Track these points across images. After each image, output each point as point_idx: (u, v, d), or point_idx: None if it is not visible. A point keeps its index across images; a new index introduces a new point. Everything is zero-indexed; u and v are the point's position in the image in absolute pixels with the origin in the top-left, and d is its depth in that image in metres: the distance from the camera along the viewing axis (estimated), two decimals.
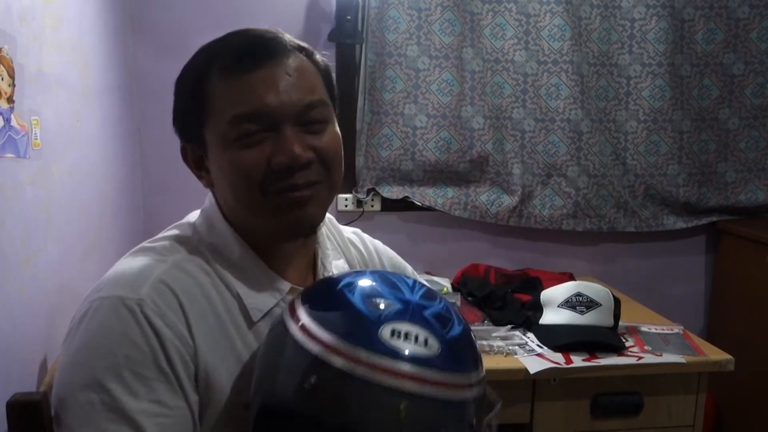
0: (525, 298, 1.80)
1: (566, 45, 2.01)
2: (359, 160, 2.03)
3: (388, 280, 0.74)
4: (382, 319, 0.67)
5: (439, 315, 0.71)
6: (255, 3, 1.96)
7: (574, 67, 2.02)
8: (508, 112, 2.06)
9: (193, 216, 0.86)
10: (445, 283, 1.78)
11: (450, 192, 2.09)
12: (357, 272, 0.79)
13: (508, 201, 2.07)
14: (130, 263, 0.77)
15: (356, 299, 0.70)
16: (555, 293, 1.61)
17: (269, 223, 0.78)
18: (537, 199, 2.09)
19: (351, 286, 0.72)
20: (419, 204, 2.06)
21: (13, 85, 1.07)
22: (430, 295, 0.74)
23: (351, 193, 2.06)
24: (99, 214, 1.56)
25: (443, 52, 2.01)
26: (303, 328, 0.68)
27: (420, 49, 2.00)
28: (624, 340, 1.57)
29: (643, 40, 2.06)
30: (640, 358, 1.50)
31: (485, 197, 2.08)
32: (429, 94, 2.02)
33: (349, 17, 1.89)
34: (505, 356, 1.49)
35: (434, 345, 0.67)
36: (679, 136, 2.12)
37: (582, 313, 1.55)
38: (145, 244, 0.82)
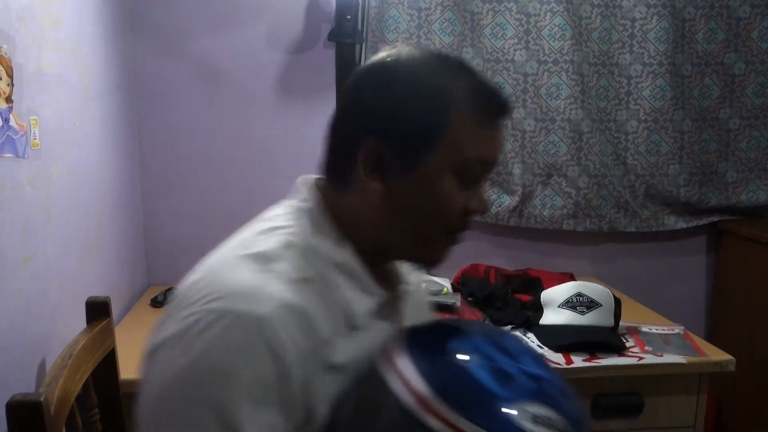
0: (525, 298, 1.79)
1: (567, 44, 2.00)
2: None
3: (500, 345, 0.70)
4: (513, 398, 0.63)
5: (562, 388, 0.68)
6: (255, 3, 1.95)
7: (574, 67, 2.02)
8: None
9: (288, 217, 0.80)
10: (445, 284, 1.77)
11: None
12: (461, 331, 0.73)
13: (508, 201, 2.06)
14: (247, 274, 0.71)
15: (481, 375, 0.65)
16: (555, 293, 1.60)
17: (419, 252, 0.81)
18: (537, 199, 2.09)
19: (466, 352, 0.68)
20: None
21: (12, 85, 1.06)
22: (540, 360, 0.71)
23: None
24: (98, 214, 1.56)
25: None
26: (421, 400, 0.64)
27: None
28: (624, 341, 1.56)
29: (644, 40, 2.06)
30: (640, 358, 1.49)
31: None
32: None
33: (349, 17, 1.89)
34: None
35: (569, 430, 0.64)
36: (679, 136, 2.12)
37: (582, 313, 1.55)
38: (252, 247, 0.75)
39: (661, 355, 1.51)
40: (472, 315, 1.69)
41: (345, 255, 0.77)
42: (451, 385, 0.65)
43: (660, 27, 2.04)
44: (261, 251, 0.74)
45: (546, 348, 1.52)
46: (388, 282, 0.85)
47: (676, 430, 1.56)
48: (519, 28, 2.01)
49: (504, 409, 0.62)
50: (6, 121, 1.04)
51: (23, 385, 1.09)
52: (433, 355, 0.69)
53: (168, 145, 1.96)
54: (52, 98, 1.25)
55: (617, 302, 1.60)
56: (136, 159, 1.93)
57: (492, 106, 0.77)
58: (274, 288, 0.70)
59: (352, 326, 0.76)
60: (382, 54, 0.80)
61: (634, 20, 2.05)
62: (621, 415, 1.54)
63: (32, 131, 1.14)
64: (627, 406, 1.52)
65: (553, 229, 2.11)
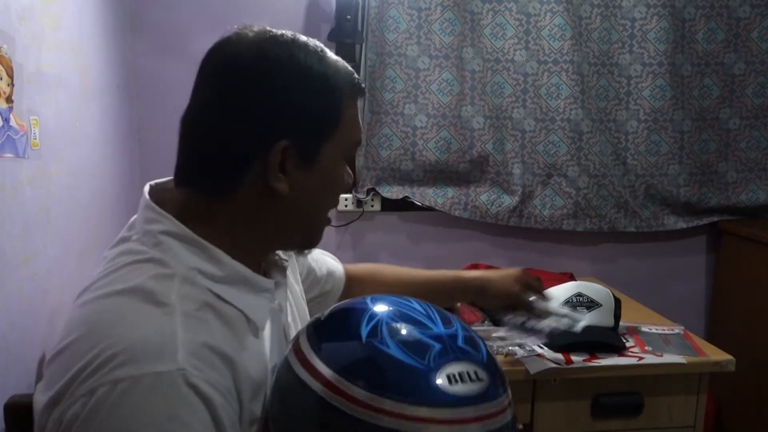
0: None
1: (566, 44, 2.00)
2: (359, 160, 2.03)
3: (404, 314, 0.69)
4: (432, 367, 0.63)
5: (468, 338, 0.69)
6: (255, 2, 1.95)
7: (574, 67, 2.02)
8: (509, 111, 2.05)
9: (154, 241, 0.73)
10: None
11: (450, 192, 2.08)
12: (365, 310, 0.71)
13: (508, 201, 2.06)
14: (144, 322, 0.64)
15: (395, 351, 0.64)
16: (555, 293, 1.60)
17: (309, 238, 0.82)
18: (537, 199, 2.09)
19: (376, 333, 0.66)
20: (419, 204, 2.06)
21: (12, 85, 1.06)
22: (445, 318, 0.71)
23: (351, 193, 2.06)
24: (98, 214, 1.56)
25: (443, 52, 2.00)
26: (353, 399, 0.62)
27: (420, 48, 1.99)
28: (624, 341, 1.56)
29: (644, 40, 2.06)
30: (640, 358, 1.49)
31: (485, 197, 2.08)
32: (429, 93, 2.02)
33: (349, 17, 1.89)
34: (505, 356, 1.48)
35: (483, 375, 0.65)
36: (679, 136, 2.12)
37: (582, 313, 1.55)
38: (139, 285, 0.67)
39: (661, 355, 1.51)
40: (472, 315, 1.69)
41: (227, 267, 0.72)
42: (361, 366, 0.65)
43: (660, 27, 2.04)
44: (148, 290, 0.66)
45: (546, 348, 1.52)
46: (272, 267, 0.85)
47: (676, 429, 1.56)
48: (519, 28, 2.01)
49: (417, 377, 0.63)
50: (6, 121, 1.04)
51: (22, 385, 1.08)
52: (340, 340, 0.69)
53: (168, 145, 1.96)
54: (52, 98, 1.25)
55: (617, 302, 1.60)
56: (136, 159, 1.93)
57: (357, 86, 0.79)
58: (179, 331, 0.64)
59: (255, 331, 0.75)
60: (235, 46, 0.77)
61: (634, 20, 2.05)
62: (621, 415, 1.54)
63: (32, 131, 1.14)
64: (627, 406, 1.52)
65: (553, 229, 2.11)
